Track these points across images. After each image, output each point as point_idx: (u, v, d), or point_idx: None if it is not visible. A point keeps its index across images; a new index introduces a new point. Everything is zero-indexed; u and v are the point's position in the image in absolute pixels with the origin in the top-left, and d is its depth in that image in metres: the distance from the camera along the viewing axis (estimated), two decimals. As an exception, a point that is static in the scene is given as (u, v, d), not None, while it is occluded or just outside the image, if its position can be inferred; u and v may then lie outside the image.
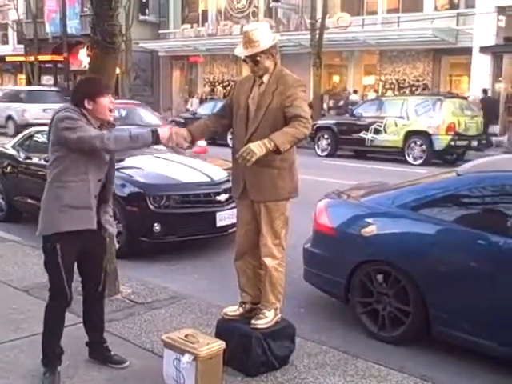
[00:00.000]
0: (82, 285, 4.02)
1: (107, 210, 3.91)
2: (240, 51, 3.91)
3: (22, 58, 37.50)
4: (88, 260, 3.87)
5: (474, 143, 17.01)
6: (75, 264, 3.84)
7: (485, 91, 20.73)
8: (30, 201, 8.45)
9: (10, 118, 22.78)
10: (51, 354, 3.82)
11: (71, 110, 3.65)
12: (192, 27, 32.52)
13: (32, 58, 35.77)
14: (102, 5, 4.85)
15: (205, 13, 33.07)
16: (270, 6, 29.31)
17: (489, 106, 19.40)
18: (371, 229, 4.88)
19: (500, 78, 22.80)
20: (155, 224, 6.87)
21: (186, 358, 3.61)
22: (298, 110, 3.74)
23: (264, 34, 3.85)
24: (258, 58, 3.84)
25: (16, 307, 5.11)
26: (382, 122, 17.21)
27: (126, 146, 3.67)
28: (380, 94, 25.16)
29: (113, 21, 4.94)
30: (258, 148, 3.57)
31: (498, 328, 4.20)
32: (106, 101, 3.71)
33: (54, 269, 3.71)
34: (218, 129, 4.20)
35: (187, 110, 27.91)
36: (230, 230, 7.00)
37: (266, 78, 3.92)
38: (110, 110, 3.76)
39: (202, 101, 28.99)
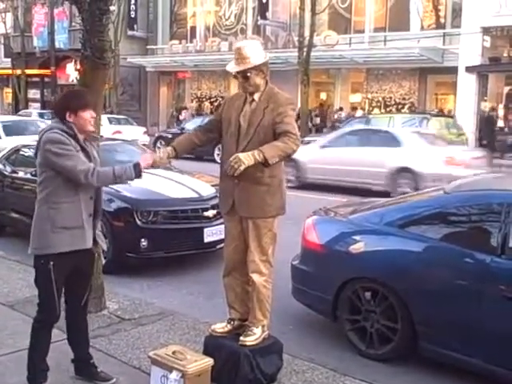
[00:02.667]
0: (66, 300, 3.96)
1: (97, 225, 3.91)
2: (231, 67, 3.94)
3: (8, 72, 37.41)
4: (76, 276, 3.83)
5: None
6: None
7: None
8: (15, 215, 8.40)
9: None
10: (37, 371, 3.77)
11: (60, 132, 3.63)
12: (180, 43, 32.67)
13: (19, 72, 35.72)
14: (93, 20, 4.85)
15: (193, 29, 33.25)
16: (258, 23, 29.54)
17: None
18: (359, 246, 4.89)
19: (485, 98, 23.07)
20: (142, 239, 6.84)
21: (174, 375, 3.59)
22: (288, 127, 3.77)
23: (255, 51, 3.88)
24: (249, 75, 3.87)
25: (0, 323, 5.04)
26: (369, 140, 17.28)
27: (110, 182, 3.82)
28: (366, 111, 25.36)
29: (103, 36, 4.95)
30: (246, 158, 3.59)
31: (483, 346, 4.22)
32: (87, 115, 3.72)
33: (46, 286, 3.69)
34: (203, 143, 4.21)
35: (178, 120, 27.96)
36: (218, 246, 6.98)
37: (257, 96, 3.95)
38: (90, 123, 3.79)
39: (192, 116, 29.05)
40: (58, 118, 3.73)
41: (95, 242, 3.86)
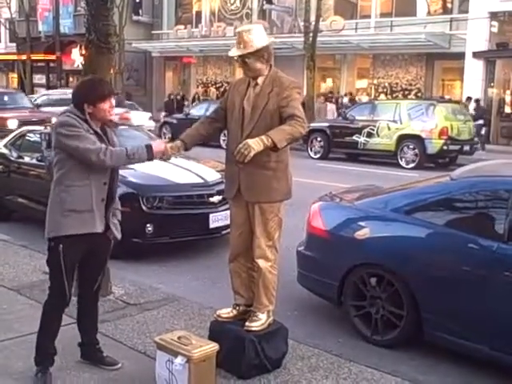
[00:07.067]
0: (78, 284, 3.99)
1: (115, 213, 3.91)
2: (233, 52, 3.91)
3: (14, 57, 37.34)
4: (90, 261, 3.85)
5: (467, 148, 17.06)
6: (76, 264, 3.83)
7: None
8: (21, 200, 8.42)
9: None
10: (44, 354, 3.80)
11: (72, 115, 3.64)
12: (185, 28, 32.51)
13: (24, 57, 35.62)
14: (98, 4, 4.83)
15: (198, 14, 33.07)
16: (264, 8, 29.34)
17: None
18: (364, 232, 4.88)
19: (492, 84, 22.92)
20: (148, 225, 6.85)
21: (179, 359, 3.60)
22: (294, 110, 3.75)
23: (257, 36, 3.84)
24: (247, 60, 3.84)
25: (6, 307, 5.07)
26: (374, 126, 17.21)
27: (123, 162, 3.77)
28: (373, 97, 25.25)
29: (108, 21, 4.94)
30: (255, 143, 3.56)
31: (489, 332, 4.21)
32: (106, 105, 3.71)
33: (56, 268, 3.72)
34: (210, 133, 4.21)
35: None
36: (223, 232, 6.99)
37: (260, 80, 3.92)
38: (110, 112, 3.77)
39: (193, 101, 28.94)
40: (76, 108, 3.70)
41: (109, 227, 3.84)
